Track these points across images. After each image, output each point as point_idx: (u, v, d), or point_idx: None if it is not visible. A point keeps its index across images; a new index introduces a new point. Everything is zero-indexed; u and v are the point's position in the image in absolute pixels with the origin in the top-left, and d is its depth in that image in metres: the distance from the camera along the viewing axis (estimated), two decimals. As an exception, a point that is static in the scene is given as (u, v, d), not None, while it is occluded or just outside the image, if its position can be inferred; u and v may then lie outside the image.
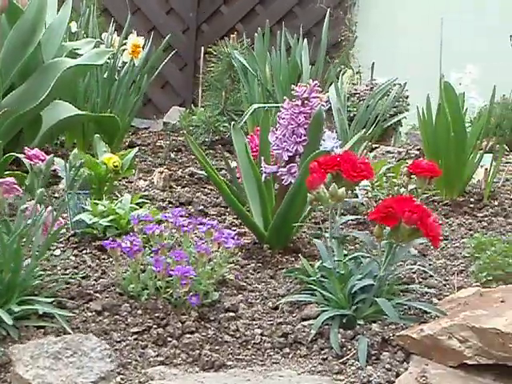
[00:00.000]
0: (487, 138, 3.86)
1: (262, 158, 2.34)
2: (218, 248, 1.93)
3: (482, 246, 2.25)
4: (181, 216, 2.26)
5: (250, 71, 3.48)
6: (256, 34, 3.77)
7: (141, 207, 2.51)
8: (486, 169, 3.28)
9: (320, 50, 3.44)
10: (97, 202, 2.37)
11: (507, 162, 3.94)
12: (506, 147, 4.04)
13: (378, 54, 5.74)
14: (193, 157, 3.99)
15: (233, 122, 2.55)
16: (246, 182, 2.39)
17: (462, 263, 2.29)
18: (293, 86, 2.30)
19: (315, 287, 1.87)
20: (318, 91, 2.28)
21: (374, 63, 4.07)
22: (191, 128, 4.80)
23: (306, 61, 3.44)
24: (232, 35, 4.60)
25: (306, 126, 2.25)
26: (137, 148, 2.96)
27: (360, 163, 1.84)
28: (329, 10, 5.61)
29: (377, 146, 3.85)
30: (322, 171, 1.84)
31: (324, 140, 3.03)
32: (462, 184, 3.15)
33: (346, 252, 2.01)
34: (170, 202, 2.94)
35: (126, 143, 4.29)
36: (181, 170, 3.60)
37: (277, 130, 2.30)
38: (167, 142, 4.52)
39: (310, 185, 1.78)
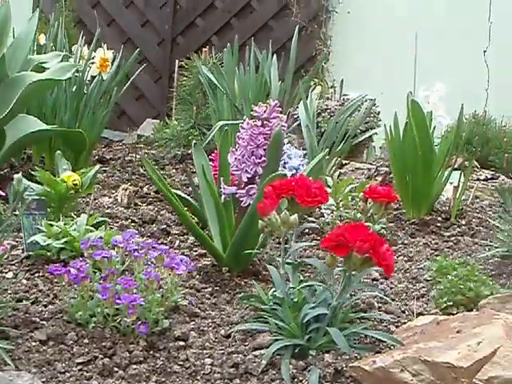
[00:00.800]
0: (457, 155, 3.83)
1: (222, 178, 2.28)
2: (170, 273, 1.86)
3: (443, 269, 2.20)
4: (142, 236, 2.18)
5: (218, 87, 3.41)
6: (225, 49, 3.71)
7: (97, 228, 2.43)
8: (455, 186, 3.24)
9: (289, 66, 3.38)
10: (52, 223, 2.29)
11: (477, 179, 3.90)
12: (476, 163, 4.01)
13: (353, 68, 5.71)
14: (161, 172, 3.93)
15: (194, 141, 2.49)
16: (205, 203, 2.33)
17: (423, 287, 2.24)
18: (253, 106, 2.24)
19: (268, 315, 1.81)
20: (279, 111, 2.22)
21: (342, 80, 4.04)
22: (164, 141, 4.74)
23: (275, 77, 3.38)
24: (204, 49, 4.55)
25: (265, 147, 2.19)
26: (98, 166, 2.88)
27: (315, 188, 1.78)
28: (300, 25, 5.59)
29: (347, 162, 3.80)
30: (275, 196, 1.78)
31: (290, 158, 2.98)
32: (430, 202, 3.10)
33: (302, 278, 1.95)
34: (132, 221, 2.87)
35: (96, 157, 4.21)
36: (148, 185, 3.53)
37: (236, 150, 2.23)
38: (138, 156, 4.45)
39: (261, 211, 1.72)
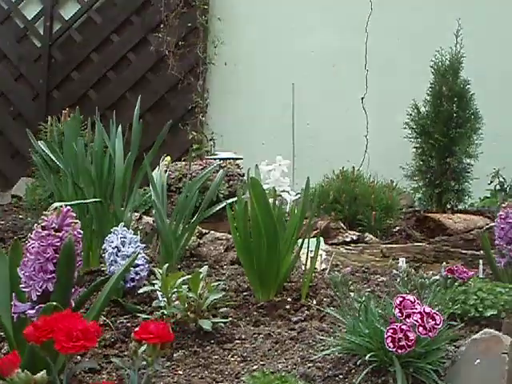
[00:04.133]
0: (322, 217, 3.61)
1: (14, 294, 1.94)
2: None
3: (261, 387, 1.92)
4: None
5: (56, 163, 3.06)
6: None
7: None
8: (312, 257, 3.00)
9: (132, 145, 3.05)
10: None
11: (343, 241, 3.68)
12: (342, 225, 3.79)
13: (231, 120, 5.47)
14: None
15: (-6, 245, 2.16)
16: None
17: (241, 408, 1.95)
18: (44, 212, 1.93)
19: None
20: (72, 217, 1.92)
21: (190, 149, 3.69)
22: (40, 202, 4.37)
23: (120, 151, 3.06)
24: (64, 111, 4.21)
25: (55, 261, 1.87)
26: None
27: (78, 330, 1.47)
28: (177, 77, 5.32)
29: (207, 231, 3.51)
30: (35, 339, 1.47)
31: (124, 245, 2.68)
32: (279, 281, 2.83)
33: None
34: None
35: None
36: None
37: (27, 262, 1.91)
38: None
39: (1, 371, 1.40)
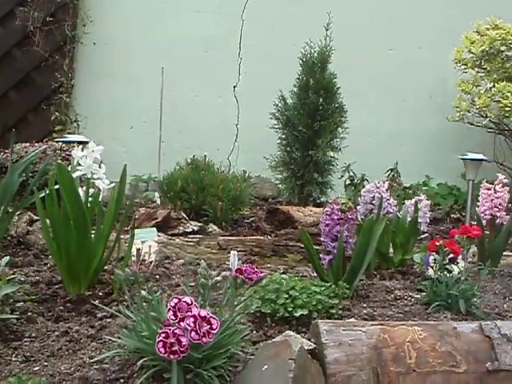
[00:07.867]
0: (164, 206, 3.42)
1: None
2: None
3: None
4: None
5: None
6: None
7: None
8: (139, 249, 2.81)
9: None
10: None
11: (184, 232, 3.50)
12: (184, 215, 3.61)
13: (100, 101, 5.19)
14: None
15: None
16: None
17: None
18: None
19: None
20: None
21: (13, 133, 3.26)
22: None
23: None
24: None
25: None
26: None
27: None
28: (43, 55, 5.00)
29: (37, 218, 3.26)
30: None
31: None
32: (92, 274, 2.62)
33: None
34: None
35: None
36: None
37: None
38: None
39: None
